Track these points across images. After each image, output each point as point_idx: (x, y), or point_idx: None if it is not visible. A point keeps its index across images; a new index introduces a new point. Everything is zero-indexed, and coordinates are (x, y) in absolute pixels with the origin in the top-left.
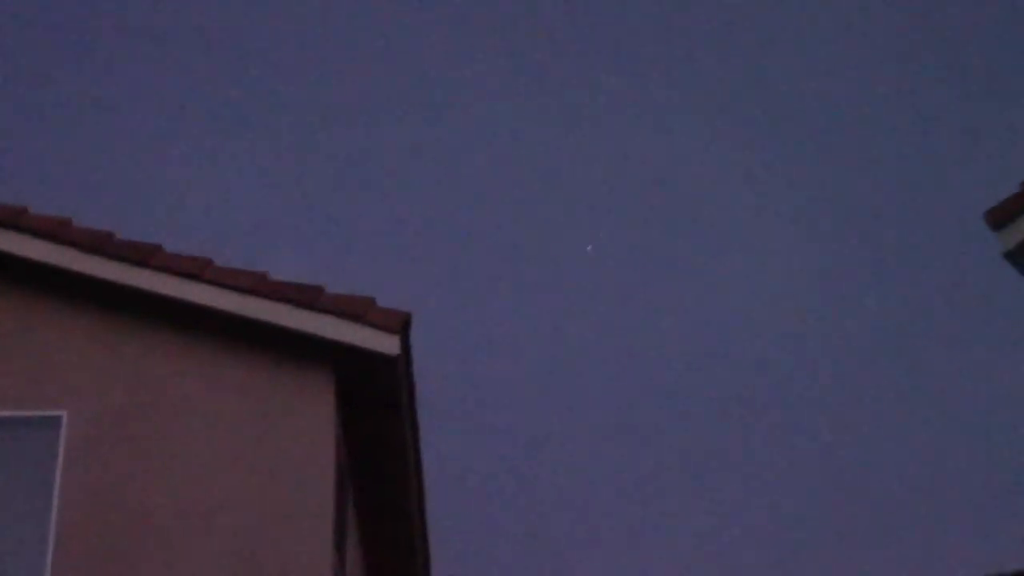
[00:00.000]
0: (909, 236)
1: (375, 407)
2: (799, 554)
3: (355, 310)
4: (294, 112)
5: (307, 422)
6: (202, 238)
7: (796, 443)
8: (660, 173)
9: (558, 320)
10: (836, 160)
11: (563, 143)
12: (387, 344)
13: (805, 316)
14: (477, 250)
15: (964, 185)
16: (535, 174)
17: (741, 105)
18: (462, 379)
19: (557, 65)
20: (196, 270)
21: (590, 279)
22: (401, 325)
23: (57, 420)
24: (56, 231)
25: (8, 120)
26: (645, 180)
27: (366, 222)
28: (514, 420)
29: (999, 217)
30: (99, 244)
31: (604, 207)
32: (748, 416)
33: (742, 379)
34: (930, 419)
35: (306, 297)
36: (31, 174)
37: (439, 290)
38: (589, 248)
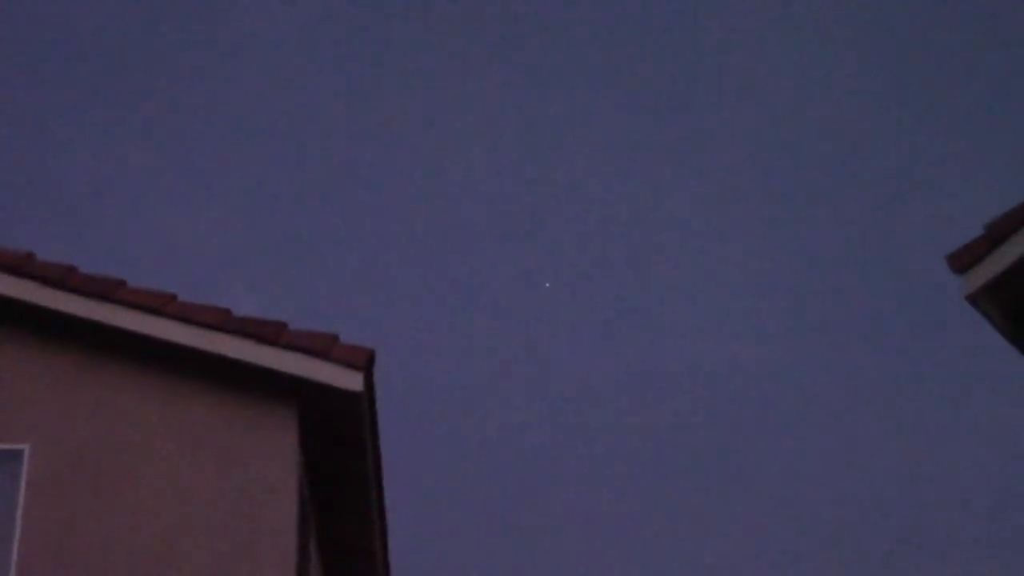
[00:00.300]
0: (871, 273)
1: (338, 442)
2: (795, 562)
3: (318, 347)
4: (256, 145)
5: (270, 456)
6: (163, 273)
7: (788, 456)
8: (639, 200)
9: (536, 340)
10: (809, 191)
11: (528, 169)
12: (350, 381)
13: (767, 341)
14: (442, 280)
15: (929, 225)
16: (502, 202)
17: (713, 136)
18: (428, 410)
19: (527, 95)
20: (159, 305)
21: (574, 302)
22: (365, 362)
23: (19, 453)
24: (19, 264)
25: None
26: (623, 209)
27: (327, 256)
28: (483, 447)
29: (961, 261)
30: (62, 278)
31: (575, 235)
32: (741, 427)
33: (732, 389)
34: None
35: (270, 333)
36: None
37: (404, 317)
38: (547, 285)
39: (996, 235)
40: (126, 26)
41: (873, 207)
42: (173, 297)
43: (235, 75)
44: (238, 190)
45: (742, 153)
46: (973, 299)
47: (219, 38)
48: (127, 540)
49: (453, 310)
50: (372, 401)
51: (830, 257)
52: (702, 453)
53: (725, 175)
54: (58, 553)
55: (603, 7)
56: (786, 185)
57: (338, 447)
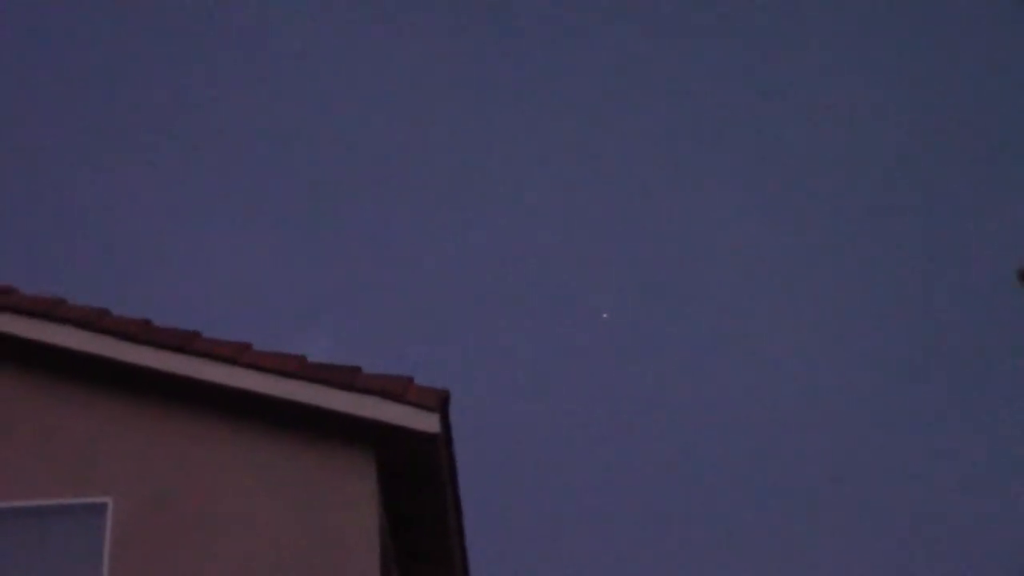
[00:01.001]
0: (937, 279)
1: (417, 485)
2: (825, 564)
3: (394, 389)
4: (322, 189)
5: (350, 501)
6: (233, 322)
7: (824, 459)
8: (681, 202)
9: (585, 356)
10: (863, 185)
11: (572, 184)
12: (427, 422)
13: (826, 350)
14: (502, 310)
15: (995, 215)
16: (550, 222)
17: (762, 136)
18: (502, 445)
19: (566, 105)
20: (235, 355)
21: (616, 322)
22: (440, 403)
23: (103, 507)
24: (95, 321)
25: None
26: (663, 214)
27: (390, 293)
28: (556, 485)
29: None
30: (137, 332)
31: (624, 248)
32: (776, 439)
33: (768, 401)
34: (963, 436)
35: (345, 378)
36: (61, 263)
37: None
38: (605, 315)
39: None
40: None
41: (946, 219)
42: (248, 346)
43: (284, 104)
44: (299, 234)
45: (805, 166)
46: None
47: (287, 87)
48: None
49: (516, 343)
50: (449, 442)
51: (905, 275)
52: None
53: (792, 194)
54: None
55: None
56: (856, 201)
57: (417, 491)
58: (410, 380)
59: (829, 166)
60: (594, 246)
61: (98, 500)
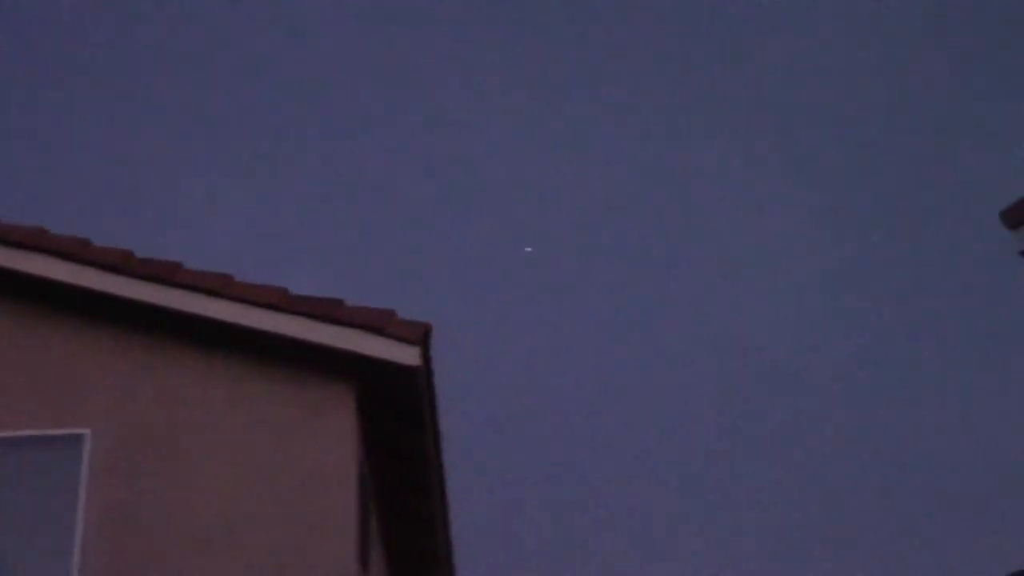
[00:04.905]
0: (923, 235)
1: (397, 419)
2: (814, 551)
3: (376, 322)
4: (302, 125)
5: (329, 434)
6: (214, 254)
7: (809, 442)
8: (676, 175)
9: (580, 328)
10: (849, 159)
11: (569, 153)
12: (408, 355)
13: (819, 314)
14: (492, 261)
15: (978, 182)
16: (546, 183)
17: (754, 109)
18: (484, 389)
19: (560, 74)
20: (217, 287)
21: (609, 283)
22: (421, 336)
23: (81, 438)
24: (76, 251)
25: (13, 133)
26: (659, 184)
27: (380, 234)
28: (539, 427)
29: (1015, 217)
30: (119, 263)
31: (617, 213)
32: (763, 419)
33: (758, 381)
34: (943, 417)
35: (327, 311)
36: (40, 190)
37: (456, 300)
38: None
39: None
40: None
41: (923, 164)
42: (230, 278)
43: (283, 55)
44: (287, 172)
45: (781, 115)
46: None
47: (275, 23)
48: (188, 522)
49: (511, 290)
50: (430, 375)
51: (879, 222)
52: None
53: (767, 147)
54: (120, 536)
55: None
56: (834, 154)
57: (398, 422)
58: (392, 313)
59: (809, 109)
60: (593, 189)
61: (76, 431)
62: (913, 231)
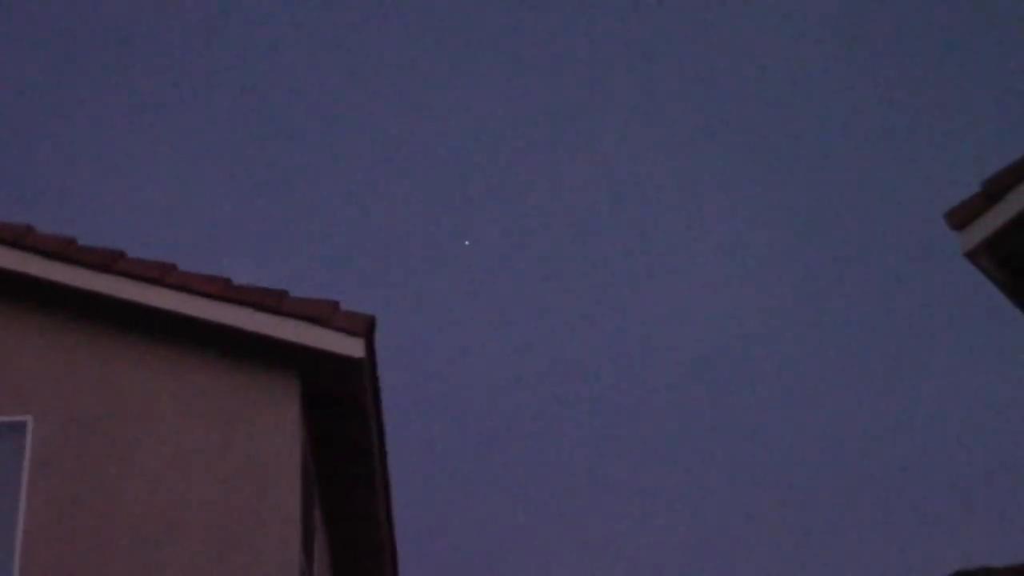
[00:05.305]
0: (874, 238)
1: (341, 410)
2: (782, 546)
3: (319, 314)
4: (255, 116)
5: (273, 426)
6: (161, 245)
7: (768, 439)
8: (631, 177)
9: (530, 320)
10: (800, 162)
11: (530, 151)
12: (352, 347)
13: (774, 313)
14: (439, 254)
15: (927, 186)
16: (497, 179)
17: (707, 111)
18: (427, 379)
19: (530, 75)
20: (160, 275)
21: (566, 278)
22: (366, 328)
23: (22, 425)
24: (18, 237)
25: None
26: (613, 184)
27: (327, 228)
28: (481, 417)
29: (960, 218)
30: (61, 250)
31: (570, 213)
32: (724, 412)
33: (718, 376)
34: (902, 414)
35: (270, 301)
36: None
37: (401, 295)
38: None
39: (994, 191)
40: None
41: (870, 165)
42: (173, 267)
43: (227, 42)
44: (233, 161)
45: (719, 112)
46: (972, 256)
47: (214, 10)
48: (131, 511)
49: (455, 281)
50: (374, 367)
51: (823, 220)
52: (694, 424)
53: (703, 134)
54: (62, 525)
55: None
56: (775, 145)
57: (342, 415)
58: (336, 305)
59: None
60: (535, 180)
61: (17, 419)
62: (860, 232)
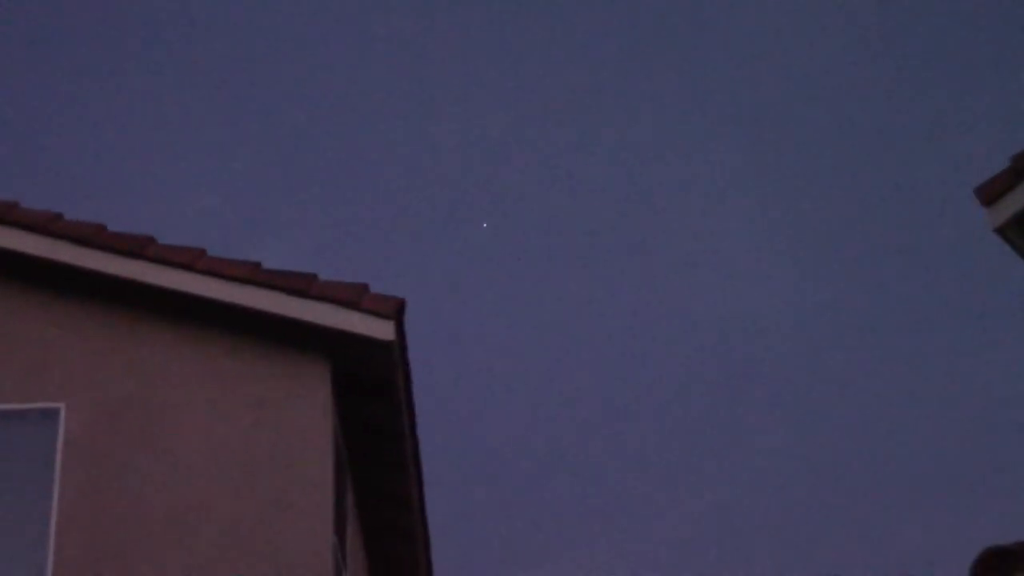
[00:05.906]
0: (901, 219)
1: (371, 394)
2: (795, 538)
3: (349, 297)
4: (285, 103)
5: (304, 410)
6: (191, 230)
7: (787, 429)
8: (651, 167)
9: (549, 310)
10: (822, 144)
11: (552, 137)
12: (382, 330)
13: (797, 299)
14: (469, 241)
15: (954, 164)
16: (525, 167)
17: (723, 102)
18: (457, 366)
19: (554, 63)
20: (190, 260)
21: (584, 267)
22: (395, 311)
23: (55, 412)
24: (48, 225)
25: None
26: (632, 173)
27: (358, 213)
28: (510, 406)
29: (989, 193)
30: (92, 237)
31: (592, 198)
32: (740, 405)
33: (735, 367)
34: (922, 401)
35: (300, 285)
36: (18, 168)
37: (431, 280)
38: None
39: (1023, 166)
40: None
41: (898, 147)
42: (203, 252)
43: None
44: (262, 148)
45: (739, 102)
46: (1002, 231)
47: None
48: (164, 496)
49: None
50: (404, 350)
51: (852, 198)
52: (718, 399)
53: (731, 115)
54: (95, 510)
55: None
56: (804, 124)
57: (372, 398)
58: (365, 287)
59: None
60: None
61: (51, 405)
62: (890, 211)
